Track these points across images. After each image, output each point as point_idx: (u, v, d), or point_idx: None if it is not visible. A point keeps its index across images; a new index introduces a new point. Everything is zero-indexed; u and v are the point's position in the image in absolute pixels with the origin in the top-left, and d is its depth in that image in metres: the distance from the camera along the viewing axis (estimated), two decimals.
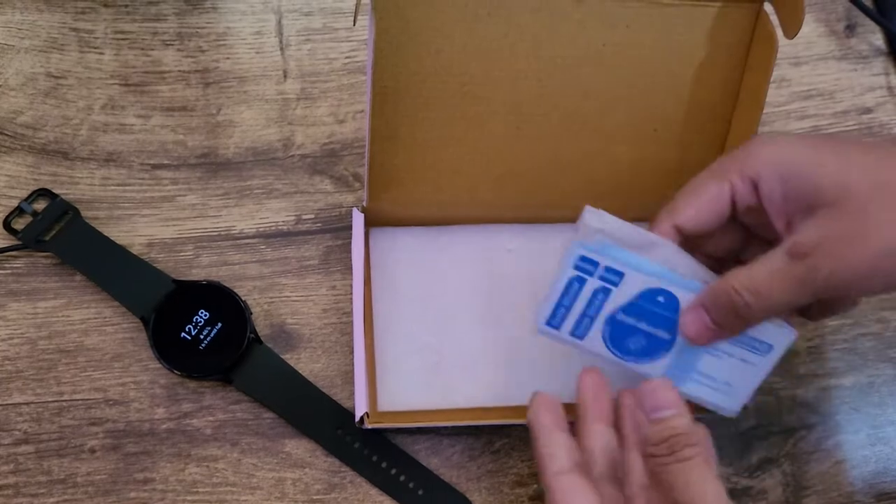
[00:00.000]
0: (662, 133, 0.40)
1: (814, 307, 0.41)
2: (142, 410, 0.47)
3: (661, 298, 0.41)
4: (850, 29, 0.60)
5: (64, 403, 0.47)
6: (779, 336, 0.41)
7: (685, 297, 0.41)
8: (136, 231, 0.50)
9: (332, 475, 0.47)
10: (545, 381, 0.48)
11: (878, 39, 0.60)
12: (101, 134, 0.52)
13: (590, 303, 0.41)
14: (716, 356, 0.42)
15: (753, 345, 0.42)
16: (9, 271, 0.49)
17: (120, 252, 0.48)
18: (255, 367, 0.47)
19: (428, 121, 0.44)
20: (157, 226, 0.50)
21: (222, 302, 0.48)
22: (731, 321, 0.38)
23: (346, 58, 0.55)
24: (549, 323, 0.42)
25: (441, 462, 0.48)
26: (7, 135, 0.51)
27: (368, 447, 0.47)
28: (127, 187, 0.51)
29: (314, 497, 0.47)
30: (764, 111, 0.46)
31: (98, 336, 0.48)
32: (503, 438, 0.49)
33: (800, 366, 0.52)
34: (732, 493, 0.49)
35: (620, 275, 0.40)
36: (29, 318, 0.48)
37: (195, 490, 0.46)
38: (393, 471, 0.47)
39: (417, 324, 0.49)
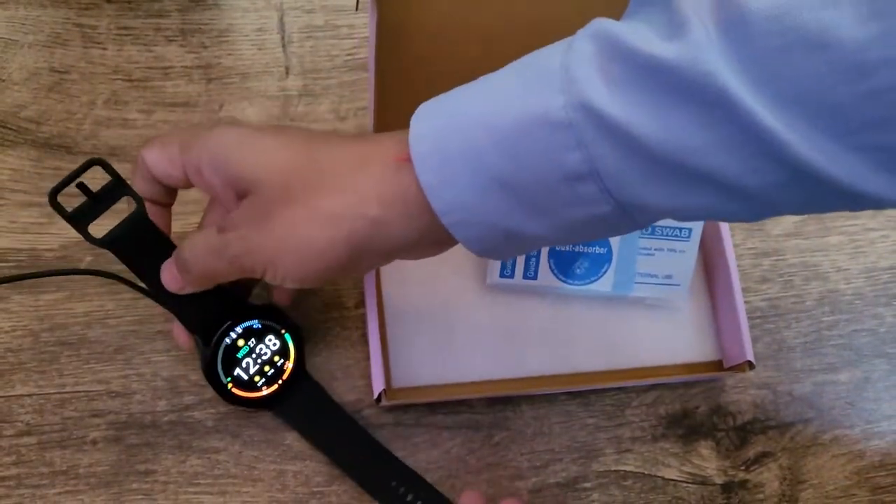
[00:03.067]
0: None
1: (274, 289, 0.46)
2: (144, 402, 0.47)
3: None
4: None
5: (66, 395, 0.47)
6: None
7: None
8: None
9: (332, 467, 0.47)
10: (553, 352, 0.50)
11: None
12: (103, 129, 0.52)
13: None
14: (649, 255, 0.49)
15: (676, 233, 0.49)
16: (12, 263, 0.49)
17: None
18: (300, 400, 0.46)
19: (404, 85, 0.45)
20: None
21: (278, 328, 0.45)
22: (182, 274, 0.40)
23: (348, 55, 0.55)
24: (502, 275, 0.49)
25: (441, 455, 0.48)
26: (11, 129, 0.51)
27: (405, 486, 0.46)
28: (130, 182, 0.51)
29: (315, 489, 0.47)
30: None
31: (101, 329, 0.48)
32: (503, 432, 0.49)
33: (796, 361, 0.52)
34: (729, 486, 0.49)
35: None
36: (31, 310, 0.48)
37: (196, 482, 0.46)
38: None
39: (426, 302, 0.49)
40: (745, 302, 0.52)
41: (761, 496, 0.49)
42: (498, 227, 0.33)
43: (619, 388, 0.50)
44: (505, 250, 0.35)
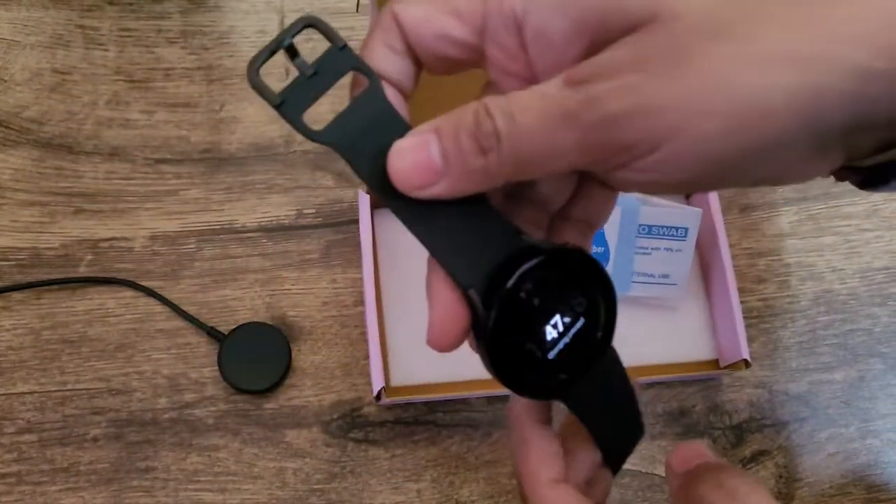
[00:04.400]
0: None
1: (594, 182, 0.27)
2: (144, 400, 0.48)
3: None
4: None
5: (67, 393, 0.48)
6: (690, 217, 0.50)
7: None
8: (140, 224, 0.51)
9: (332, 465, 0.48)
10: None
11: None
12: (105, 129, 0.53)
13: None
14: (646, 254, 0.49)
15: (672, 233, 0.49)
16: (13, 262, 0.49)
17: None
18: (598, 380, 0.30)
19: (430, 102, 0.45)
20: (160, 219, 0.51)
21: (585, 281, 0.27)
22: (465, 155, 0.24)
23: None
24: None
25: (439, 452, 0.48)
26: (13, 129, 0.52)
27: None
28: (131, 181, 0.52)
29: (314, 486, 0.47)
30: None
31: (101, 326, 0.49)
32: (501, 429, 0.49)
33: (791, 360, 0.53)
34: None
35: None
36: (32, 308, 0.49)
37: (196, 479, 0.47)
38: None
39: (425, 301, 0.50)
40: (741, 301, 0.53)
41: None
42: None
43: None
44: None
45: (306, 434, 0.48)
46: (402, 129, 0.26)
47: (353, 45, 0.59)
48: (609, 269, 0.49)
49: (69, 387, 0.48)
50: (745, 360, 0.48)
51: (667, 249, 0.50)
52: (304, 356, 0.49)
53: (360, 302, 0.51)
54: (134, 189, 0.52)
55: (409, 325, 0.50)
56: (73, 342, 0.48)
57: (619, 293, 0.50)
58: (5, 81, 0.53)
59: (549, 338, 0.27)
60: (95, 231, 0.50)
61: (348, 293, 0.51)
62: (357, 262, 0.51)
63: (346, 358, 0.50)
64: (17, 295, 0.49)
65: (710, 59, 0.22)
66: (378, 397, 0.45)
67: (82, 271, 0.50)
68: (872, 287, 0.54)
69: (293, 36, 0.26)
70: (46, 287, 0.49)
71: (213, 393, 0.48)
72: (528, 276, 0.26)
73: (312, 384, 0.49)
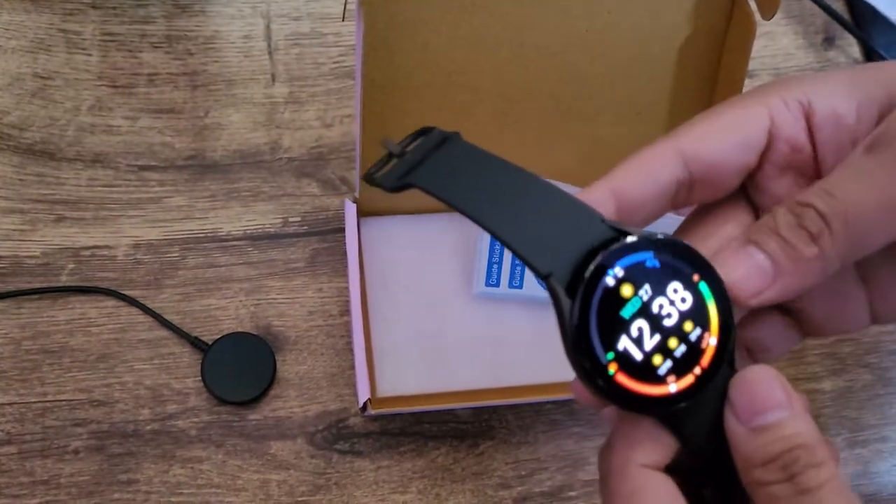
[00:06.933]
0: (645, 115, 0.41)
1: None
2: (126, 411, 0.47)
3: None
4: (829, 42, 0.61)
5: (48, 404, 0.47)
6: (677, 224, 0.49)
7: None
8: (122, 232, 0.50)
9: (317, 477, 0.47)
10: (541, 362, 0.49)
11: (856, 52, 0.61)
12: (87, 135, 0.52)
13: None
14: None
15: None
16: None
17: (518, 175, 0.26)
18: (716, 406, 0.25)
19: (417, 111, 0.45)
20: (143, 227, 0.50)
21: (688, 273, 0.25)
22: (795, 248, 0.24)
23: (334, 63, 0.55)
24: (487, 283, 0.48)
25: (426, 464, 0.48)
26: None
27: None
28: (113, 188, 0.51)
29: (299, 499, 0.47)
30: None
31: (83, 336, 0.48)
32: (487, 441, 0.49)
33: (780, 370, 0.52)
34: None
35: None
36: (13, 318, 0.48)
37: (179, 491, 0.46)
38: None
39: (412, 310, 0.49)
40: None
41: None
42: None
43: None
44: None
45: (291, 445, 0.47)
46: (493, 161, 0.26)
47: (339, 49, 0.59)
48: None
49: (50, 398, 0.47)
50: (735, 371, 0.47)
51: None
52: (290, 366, 0.49)
53: (347, 311, 0.50)
54: (117, 196, 0.51)
55: (396, 335, 0.49)
56: (54, 352, 0.48)
57: None
58: None
59: (642, 335, 0.24)
60: (77, 239, 0.50)
61: (334, 302, 0.50)
62: (343, 271, 0.51)
63: (331, 368, 0.49)
64: None
65: None
66: (364, 408, 0.45)
67: (64, 280, 0.49)
68: None
69: (406, 146, 0.28)
70: (27, 296, 0.48)
71: (196, 404, 0.47)
72: (616, 260, 0.24)
73: (297, 395, 0.48)
